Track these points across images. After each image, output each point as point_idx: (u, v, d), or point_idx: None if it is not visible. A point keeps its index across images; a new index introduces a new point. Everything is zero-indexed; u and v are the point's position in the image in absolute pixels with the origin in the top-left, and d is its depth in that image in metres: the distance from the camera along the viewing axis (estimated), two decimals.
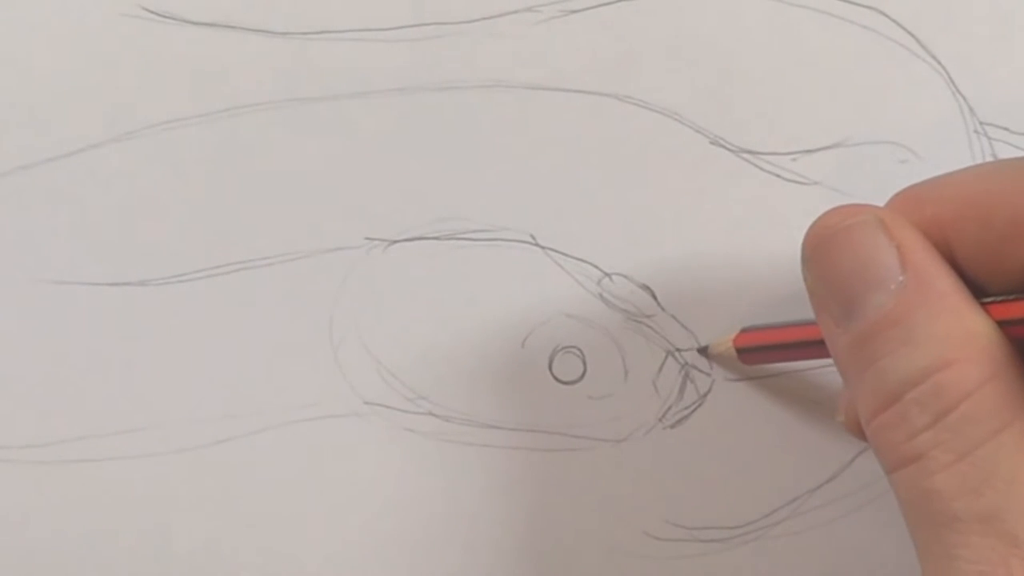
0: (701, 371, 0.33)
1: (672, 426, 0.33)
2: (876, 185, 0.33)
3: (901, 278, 0.26)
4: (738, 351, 0.32)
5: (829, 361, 0.28)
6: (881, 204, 0.28)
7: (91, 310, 0.33)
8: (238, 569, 0.33)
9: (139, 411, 0.33)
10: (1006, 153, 0.34)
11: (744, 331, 0.32)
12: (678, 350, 0.33)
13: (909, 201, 0.28)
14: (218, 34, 0.33)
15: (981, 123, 0.34)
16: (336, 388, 0.33)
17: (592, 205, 0.33)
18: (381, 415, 0.33)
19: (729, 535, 0.33)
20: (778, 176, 0.34)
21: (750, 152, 0.34)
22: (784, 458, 0.33)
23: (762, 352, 0.32)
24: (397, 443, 0.33)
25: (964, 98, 0.34)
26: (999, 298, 0.26)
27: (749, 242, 0.33)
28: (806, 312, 0.28)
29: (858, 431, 0.27)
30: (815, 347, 0.29)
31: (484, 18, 0.34)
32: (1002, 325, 0.25)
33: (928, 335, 0.25)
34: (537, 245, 0.33)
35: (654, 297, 0.33)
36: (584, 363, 0.33)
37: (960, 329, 0.25)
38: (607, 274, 0.33)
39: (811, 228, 0.27)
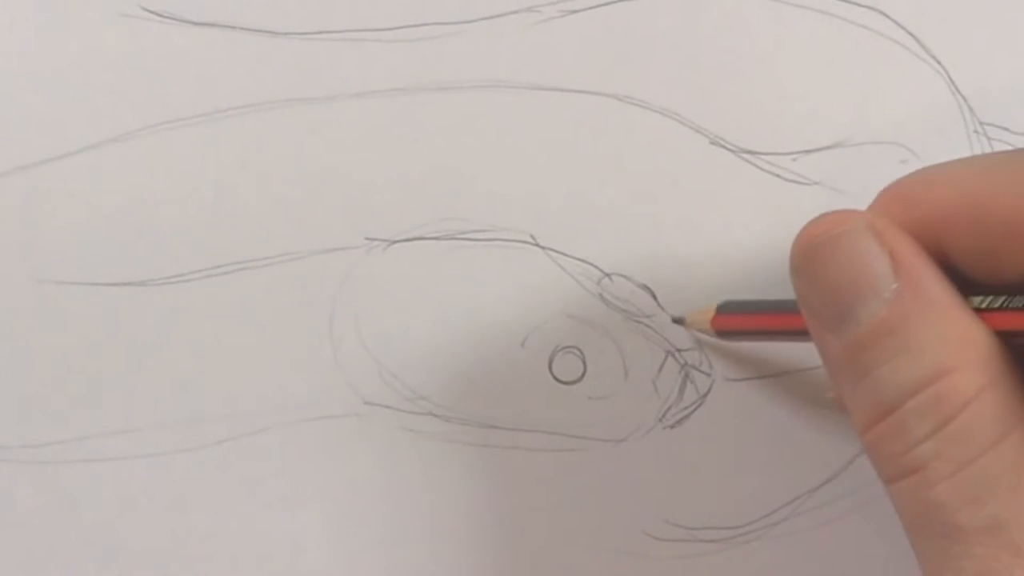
0: (701, 371, 0.33)
1: (672, 426, 0.33)
2: (876, 185, 0.33)
3: (895, 286, 0.25)
4: (717, 332, 0.32)
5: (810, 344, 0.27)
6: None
7: (91, 310, 0.33)
8: (238, 569, 0.33)
9: (139, 411, 0.33)
10: None
11: (722, 310, 0.32)
12: (678, 350, 0.33)
13: (900, 200, 0.27)
14: (218, 34, 0.33)
15: (981, 123, 0.34)
16: (336, 388, 0.33)
17: (592, 205, 0.33)
18: (381, 415, 0.33)
19: (729, 535, 0.33)
20: (778, 176, 0.34)
21: (750, 152, 0.34)
22: (784, 458, 0.33)
23: (740, 334, 0.32)
24: (397, 443, 0.33)
25: (964, 98, 0.34)
26: (988, 299, 0.25)
27: (749, 242, 0.33)
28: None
29: (845, 410, 0.27)
30: (796, 334, 0.28)
31: (484, 18, 0.34)
32: (999, 334, 0.25)
33: (925, 343, 0.25)
34: (537, 245, 0.33)
35: (654, 297, 0.33)
36: (584, 363, 0.33)
37: (957, 336, 0.25)
38: (607, 274, 0.33)
39: (800, 236, 0.27)
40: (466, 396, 0.33)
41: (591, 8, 0.34)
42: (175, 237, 0.33)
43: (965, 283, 0.26)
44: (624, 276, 0.33)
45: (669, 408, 0.33)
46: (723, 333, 0.32)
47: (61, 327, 0.33)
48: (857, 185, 0.33)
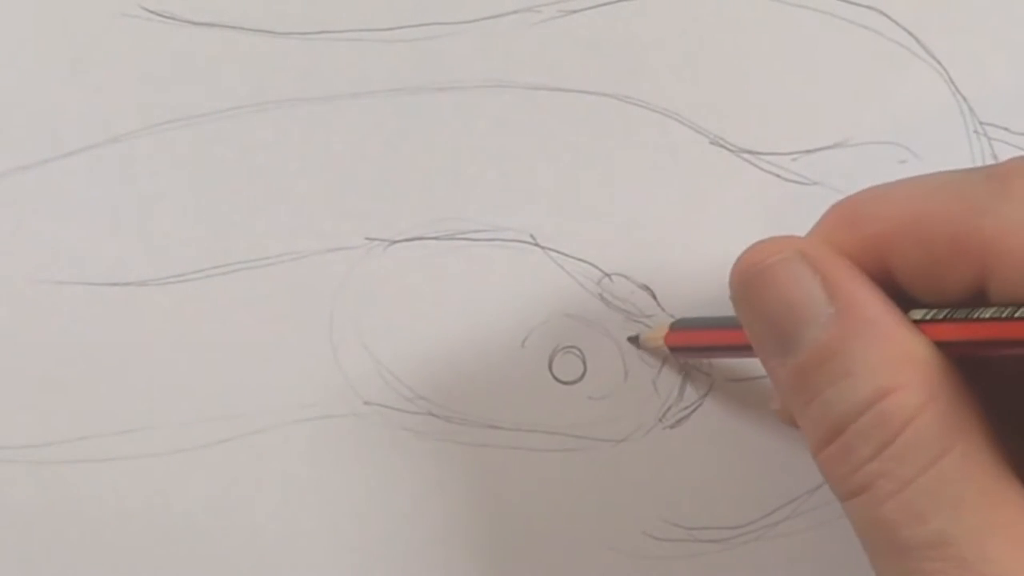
0: (701, 371, 0.33)
1: (672, 426, 0.33)
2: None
3: (830, 310, 0.25)
4: (670, 348, 0.32)
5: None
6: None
7: (91, 310, 0.33)
8: (238, 569, 0.33)
9: (139, 411, 0.33)
10: (1006, 153, 0.34)
11: (676, 327, 0.32)
12: None
13: (844, 219, 0.27)
14: (218, 34, 0.33)
15: (981, 123, 0.34)
16: (336, 388, 0.33)
17: (592, 205, 0.33)
18: (381, 415, 0.33)
19: (728, 535, 0.33)
20: (778, 176, 0.34)
21: (750, 152, 0.34)
22: (784, 458, 0.33)
23: (694, 351, 0.32)
24: (397, 443, 0.33)
25: (964, 98, 0.34)
26: (930, 313, 0.25)
27: (749, 242, 0.33)
28: None
29: (791, 421, 0.27)
30: (749, 350, 0.28)
31: (484, 18, 0.34)
32: (938, 345, 0.25)
33: (865, 365, 0.25)
34: (537, 245, 0.33)
35: (654, 297, 0.33)
36: (584, 363, 0.33)
37: (895, 355, 0.25)
38: (607, 274, 0.33)
39: (735, 266, 0.27)
40: (466, 396, 0.33)
41: (591, 8, 0.34)
42: (175, 237, 0.33)
43: (909, 301, 0.26)
44: (624, 276, 0.33)
45: (669, 408, 0.33)
46: (677, 350, 0.32)
47: (61, 327, 0.33)
48: (857, 185, 0.33)
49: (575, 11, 0.34)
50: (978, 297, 0.25)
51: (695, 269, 0.33)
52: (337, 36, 0.33)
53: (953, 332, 0.25)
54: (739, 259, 0.27)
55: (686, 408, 0.33)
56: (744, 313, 0.27)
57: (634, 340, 0.33)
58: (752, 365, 0.33)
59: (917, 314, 0.26)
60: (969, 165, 0.34)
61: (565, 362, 0.33)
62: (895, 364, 0.25)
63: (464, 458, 0.33)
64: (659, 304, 0.33)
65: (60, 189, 0.33)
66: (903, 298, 0.26)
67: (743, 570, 0.33)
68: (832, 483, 0.26)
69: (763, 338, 0.27)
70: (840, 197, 0.32)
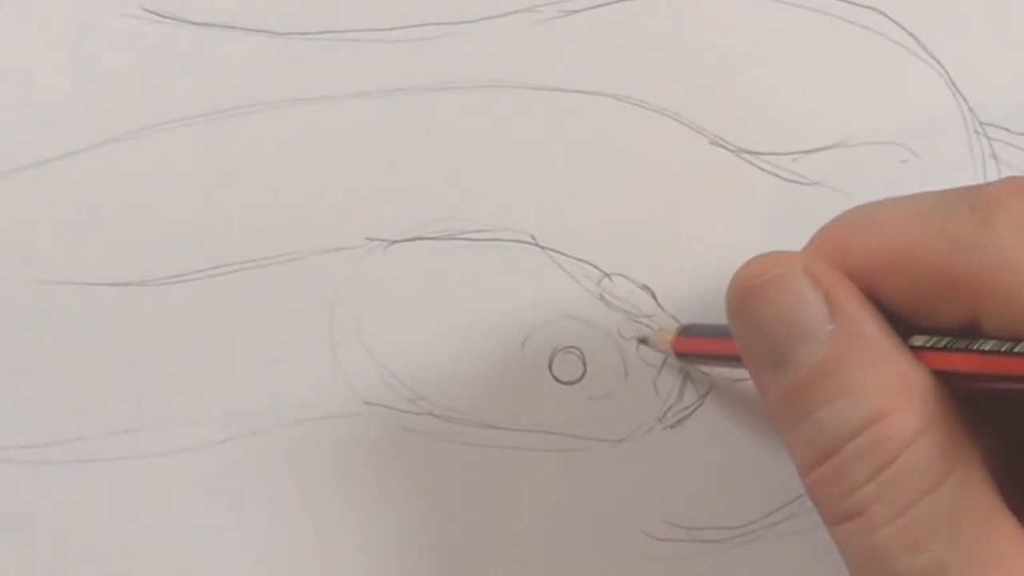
0: (701, 372, 0.33)
1: (672, 426, 0.33)
2: (876, 185, 0.33)
3: (830, 327, 0.25)
4: (676, 354, 0.32)
5: None
6: None
7: (91, 310, 0.33)
8: (238, 569, 0.33)
9: (139, 411, 0.33)
10: (1006, 153, 0.34)
11: (684, 332, 0.32)
12: None
13: (831, 246, 0.27)
14: (218, 34, 0.33)
15: (981, 123, 0.34)
16: (336, 388, 0.33)
17: (592, 205, 0.33)
18: (381, 415, 0.33)
19: (728, 535, 0.33)
20: (778, 176, 0.34)
21: (750, 152, 0.34)
22: (784, 458, 0.33)
23: (699, 357, 0.32)
24: (397, 443, 0.33)
25: (964, 98, 0.34)
26: (930, 340, 0.25)
27: (749, 242, 0.33)
28: None
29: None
30: None
31: (484, 18, 0.34)
32: (939, 375, 0.25)
33: (863, 385, 0.24)
34: (537, 245, 0.33)
35: (654, 297, 0.33)
36: (584, 363, 0.33)
37: (895, 377, 0.25)
38: (607, 274, 0.33)
39: (735, 279, 0.26)
40: (466, 396, 0.33)
41: (591, 8, 0.34)
42: (175, 237, 0.33)
43: (903, 324, 0.26)
44: (624, 276, 0.33)
45: (669, 408, 0.33)
46: (683, 356, 0.32)
47: (61, 327, 0.33)
48: (857, 185, 0.33)
49: (575, 11, 0.34)
50: (970, 328, 0.25)
51: (695, 269, 0.33)
52: (338, 36, 0.33)
53: (952, 362, 0.25)
54: (739, 271, 0.26)
55: (686, 408, 0.33)
56: (739, 326, 0.27)
57: (644, 341, 0.33)
58: None
59: (918, 340, 0.25)
60: (969, 165, 0.34)
61: (565, 362, 0.33)
62: (894, 387, 0.24)
63: (464, 458, 0.33)
64: (659, 304, 0.33)
65: (60, 189, 0.33)
66: (896, 321, 0.26)
67: (743, 570, 0.33)
68: (821, 506, 0.25)
69: (757, 353, 0.26)
70: (840, 197, 0.32)
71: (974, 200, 0.24)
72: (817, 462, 0.25)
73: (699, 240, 0.33)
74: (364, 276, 0.33)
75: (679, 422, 0.33)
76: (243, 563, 0.33)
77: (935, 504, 0.24)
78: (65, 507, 0.33)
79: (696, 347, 0.31)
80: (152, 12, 0.33)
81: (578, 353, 0.33)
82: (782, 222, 0.33)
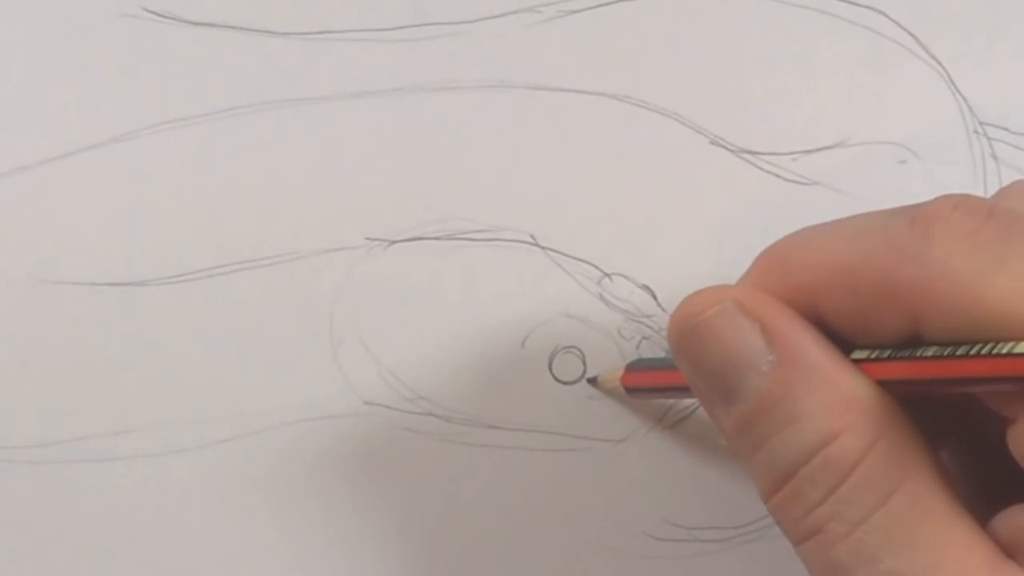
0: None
1: (672, 426, 0.33)
2: (876, 185, 0.33)
3: (771, 357, 0.25)
4: (626, 389, 0.32)
5: None
6: (880, 206, 0.28)
7: (91, 310, 0.33)
8: (238, 569, 0.33)
9: (139, 411, 0.33)
10: (1006, 153, 0.34)
11: (632, 368, 0.32)
12: None
13: (773, 267, 0.27)
14: (218, 34, 0.33)
15: (981, 123, 0.34)
16: (336, 388, 0.33)
17: (592, 205, 0.33)
18: (381, 415, 0.33)
19: (728, 535, 0.33)
20: (778, 176, 0.34)
21: (750, 152, 0.34)
22: None
23: (650, 391, 0.32)
24: (397, 443, 0.33)
25: (964, 98, 0.34)
26: (874, 353, 0.25)
27: (749, 242, 0.33)
28: None
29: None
30: None
31: (484, 18, 0.34)
32: (882, 384, 0.25)
33: (809, 411, 0.25)
34: (537, 245, 0.33)
35: (654, 297, 0.33)
36: (584, 363, 0.33)
37: (838, 398, 0.25)
38: (607, 274, 0.33)
39: (672, 320, 0.27)
40: (466, 396, 0.33)
41: (591, 8, 0.34)
42: (175, 237, 0.33)
43: (844, 343, 0.26)
44: (624, 276, 0.33)
45: (669, 408, 0.33)
46: (633, 391, 0.32)
47: (61, 327, 0.33)
48: (857, 185, 0.33)
49: (575, 11, 0.34)
50: (913, 339, 0.25)
51: (695, 269, 0.33)
52: (337, 36, 0.33)
53: (897, 371, 0.25)
54: (675, 311, 0.27)
55: (686, 408, 0.33)
56: (685, 365, 0.27)
57: (592, 381, 0.33)
58: None
59: (860, 354, 0.26)
60: (969, 165, 0.34)
61: (565, 362, 0.33)
62: (839, 408, 0.25)
63: (464, 458, 0.33)
64: (659, 304, 0.33)
65: (60, 189, 0.33)
66: (838, 340, 0.26)
67: (743, 570, 0.33)
68: (784, 528, 0.26)
69: (705, 389, 0.27)
70: (840, 197, 0.32)
71: (913, 214, 0.25)
72: (776, 488, 0.26)
73: (699, 240, 0.33)
74: (364, 276, 0.33)
75: (679, 422, 0.33)
76: (243, 563, 0.33)
77: (887, 516, 0.24)
78: (65, 507, 0.33)
79: (646, 381, 0.31)
80: (153, 12, 0.33)
81: (578, 353, 0.33)
82: (782, 222, 0.33)
